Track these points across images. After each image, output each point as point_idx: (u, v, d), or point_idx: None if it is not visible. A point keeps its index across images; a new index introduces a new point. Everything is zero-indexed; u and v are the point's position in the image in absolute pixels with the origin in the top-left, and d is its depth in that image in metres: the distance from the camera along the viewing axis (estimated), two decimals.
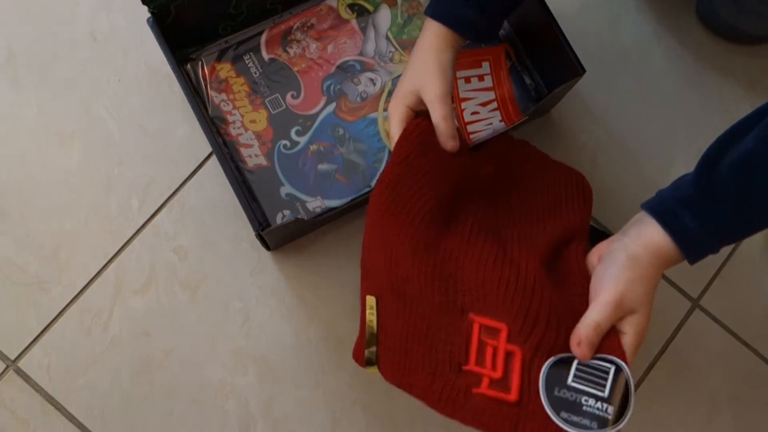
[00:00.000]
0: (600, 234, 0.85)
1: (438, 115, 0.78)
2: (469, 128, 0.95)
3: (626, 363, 0.69)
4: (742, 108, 1.02)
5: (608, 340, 0.69)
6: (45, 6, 1.01)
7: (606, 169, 1.00)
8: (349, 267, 0.94)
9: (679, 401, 0.94)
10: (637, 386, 0.94)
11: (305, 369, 0.92)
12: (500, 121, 0.95)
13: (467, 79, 0.97)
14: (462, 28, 0.80)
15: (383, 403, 0.91)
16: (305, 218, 0.89)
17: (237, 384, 0.91)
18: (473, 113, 0.96)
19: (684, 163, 1.00)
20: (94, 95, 0.99)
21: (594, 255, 0.76)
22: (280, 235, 0.89)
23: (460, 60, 0.88)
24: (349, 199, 0.90)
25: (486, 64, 0.97)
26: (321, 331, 0.93)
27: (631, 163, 1.01)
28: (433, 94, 0.78)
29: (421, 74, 0.80)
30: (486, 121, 0.95)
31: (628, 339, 0.70)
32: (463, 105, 0.96)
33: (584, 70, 0.87)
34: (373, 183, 0.91)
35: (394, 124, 0.80)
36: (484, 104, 0.96)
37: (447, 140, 0.79)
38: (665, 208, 0.71)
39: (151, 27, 0.87)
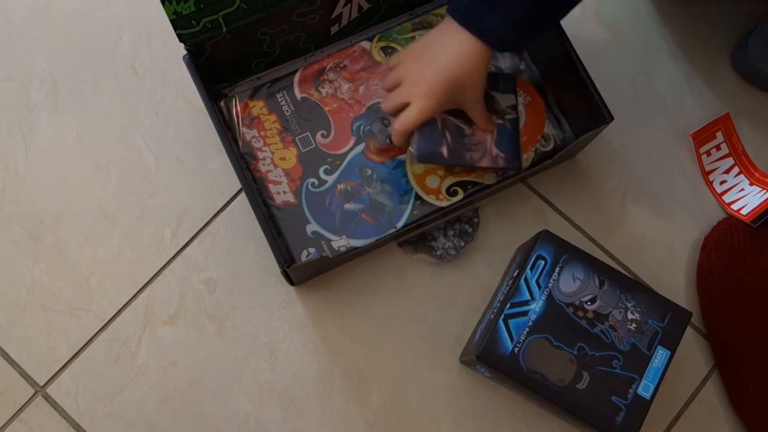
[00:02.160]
0: (629, 281, 0.80)
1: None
2: (726, 199, 0.95)
3: None
4: None
5: None
6: (89, 39, 0.99)
7: (634, 213, 0.95)
8: (374, 303, 0.91)
9: None
10: None
11: (329, 404, 0.88)
12: (750, 184, 0.94)
13: (708, 153, 0.97)
14: (493, 40, 0.78)
15: None
16: (330, 256, 0.85)
17: (261, 417, 0.88)
18: (722, 183, 0.96)
19: (714, 211, 0.95)
20: (133, 126, 0.96)
21: None
22: (305, 271, 0.86)
23: (697, 138, 0.96)
24: (374, 239, 0.86)
25: (719, 134, 0.97)
26: (345, 367, 0.89)
27: (660, 209, 0.96)
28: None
29: (466, 91, 0.82)
30: (737, 187, 0.95)
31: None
32: (711, 177, 0.96)
33: (612, 118, 0.83)
34: (399, 225, 0.87)
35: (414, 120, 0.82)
36: (727, 171, 0.96)
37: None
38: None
39: (187, 64, 0.84)
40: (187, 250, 0.92)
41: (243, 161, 0.89)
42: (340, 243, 0.87)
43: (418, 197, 0.88)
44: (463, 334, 0.90)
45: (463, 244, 0.91)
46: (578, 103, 0.88)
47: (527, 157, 0.90)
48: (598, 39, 1.01)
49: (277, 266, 0.89)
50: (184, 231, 0.93)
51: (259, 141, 0.90)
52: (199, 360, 0.89)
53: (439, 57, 0.79)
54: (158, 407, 0.88)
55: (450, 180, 0.89)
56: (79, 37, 0.99)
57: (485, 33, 0.76)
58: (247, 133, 0.90)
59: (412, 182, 0.89)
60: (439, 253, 0.90)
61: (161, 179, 0.95)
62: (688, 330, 0.91)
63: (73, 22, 1.00)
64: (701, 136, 0.96)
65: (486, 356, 0.77)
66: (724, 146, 0.96)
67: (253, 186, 0.88)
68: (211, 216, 0.94)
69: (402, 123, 0.82)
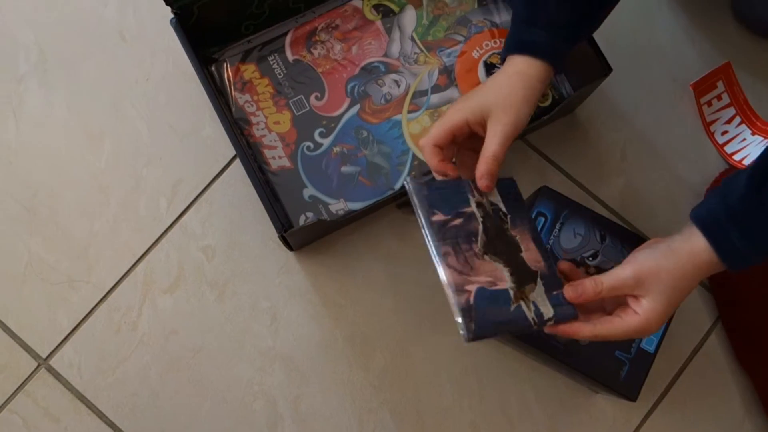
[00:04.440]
0: (631, 235, 0.81)
1: (494, 149, 0.67)
2: (727, 149, 0.94)
3: None
4: None
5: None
6: (74, 6, 0.98)
7: (635, 167, 0.95)
8: (374, 266, 0.91)
9: (711, 404, 0.90)
10: (668, 388, 0.90)
11: (332, 369, 0.89)
12: (752, 134, 0.93)
13: (708, 103, 0.97)
14: (552, 56, 0.70)
15: (410, 405, 0.88)
16: (327, 219, 0.86)
17: (265, 383, 0.89)
18: (723, 133, 0.95)
19: (716, 162, 0.95)
20: (123, 95, 0.96)
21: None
22: (303, 236, 0.86)
23: (698, 88, 0.96)
24: (372, 201, 0.86)
25: (720, 83, 0.96)
26: (347, 331, 0.90)
27: (661, 162, 0.95)
28: (504, 124, 0.67)
29: (502, 95, 0.68)
30: (739, 137, 0.94)
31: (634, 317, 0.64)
32: (712, 128, 0.96)
33: (610, 69, 0.82)
34: (397, 186, 0.87)
35: (438, 126, 0.69)
36: (728, 121, 0.95)
37: (483, 177, 0.67)
38: (713, 221, 0.63)
39: (174, 28, 0.83)
40: (184, 218, 0.93)
41: (237, 127, 0.89)
42: (338, 206, 0.87)
43: (415, 157, 0.88)
44: None
45: None
46: (576, 55, 0.87)
47: None
48: None
49: (275, 232, 0.90)
50: (180, 199, 0.93)
51: (252, 105, 0.90)
52: (201, 328, 0.90)
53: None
54: (161, 376, 0.89)
55: None
56: (64, 3, 0.98)
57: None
58: (240, 98, 0.90)
59: (409, 142, 0.89)
60: None
61: (155, 148, 0.95)
62: None
63: None
64: (702, 86, 0.96)
65: None
66: (725, 96, 0.96)
67: (248, 151, 0.88)
68: (206, 183, 0.94)
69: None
